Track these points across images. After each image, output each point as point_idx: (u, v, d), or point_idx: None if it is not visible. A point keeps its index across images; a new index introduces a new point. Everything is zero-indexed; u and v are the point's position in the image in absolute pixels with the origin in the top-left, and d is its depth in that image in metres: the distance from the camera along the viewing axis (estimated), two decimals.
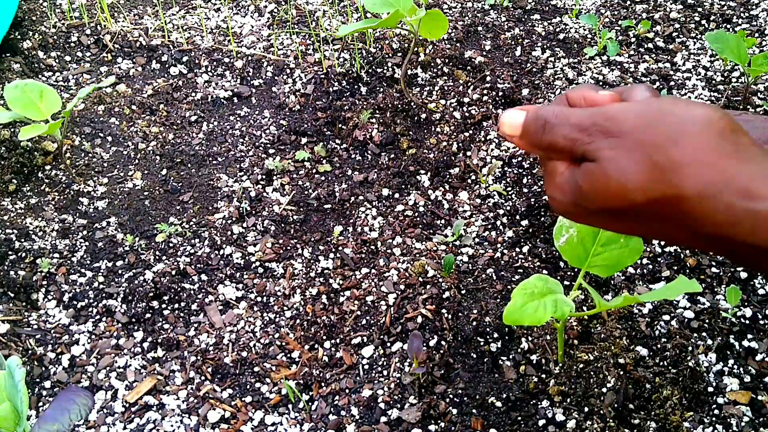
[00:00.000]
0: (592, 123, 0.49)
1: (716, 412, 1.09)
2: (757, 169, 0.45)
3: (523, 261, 1.33)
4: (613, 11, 1.96)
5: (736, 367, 1.15)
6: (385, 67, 1.78)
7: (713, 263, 1.30)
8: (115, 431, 1.13)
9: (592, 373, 1.12)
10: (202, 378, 1.19)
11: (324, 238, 1.41)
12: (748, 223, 0.44)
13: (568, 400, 1.11)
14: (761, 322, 1.21)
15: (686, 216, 0.47)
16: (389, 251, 1.36)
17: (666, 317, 1.22)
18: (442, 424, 1.10)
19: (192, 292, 1.32)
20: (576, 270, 1.30)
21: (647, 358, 1.16)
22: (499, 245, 1.37)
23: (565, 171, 0.52)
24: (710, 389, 1.12)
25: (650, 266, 1.30)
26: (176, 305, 1.30)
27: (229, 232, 1.42)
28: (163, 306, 1.30)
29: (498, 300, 1.27)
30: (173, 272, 1.34)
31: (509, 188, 1.48)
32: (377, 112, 1.64)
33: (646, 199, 0.47)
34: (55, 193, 1.52)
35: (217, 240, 1.41)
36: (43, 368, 1.22)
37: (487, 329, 1.22)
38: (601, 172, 0.48)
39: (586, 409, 1.09)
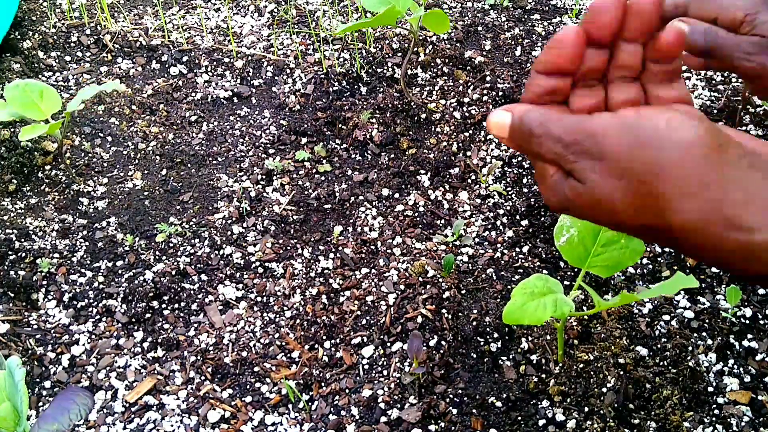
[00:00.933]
0: (574, 141, 0.47)
1: (716, 412, 1.09)
2: (743, 196, 0.43)
3: (523, 261, 1.33)
4: None
5: (736, 367, 1.15)
6: (385, 67, 1.78)
7: None
8: (115, 431, 1.13)
9: (592, 373, 1.12)
10: (202, 378, 1.19)
11: (324, 238, 1.41)
12: (740, 254, 0.44)
13: (568, 400, 1.11)
14: (761, 322, 1.21)
15: (677, 243, 0.46)
16: (389, 251, 1.36)
17: (666, 317, 1.22)
18: (442, 424, 1.10)
19: (192, 292, 1.32)
20: (576, 270, 1.30)
21: (647, 358, 1.16)
22: (499, 245, 1.37)
23: (555, 174, 0.50)
24: (710, 389, 1.12)
25: (650, 266, 1.31)
26: (176, 305, 1.30)
27: (229, 232, 1.42)
28: (163, 306, 1.30)
29: (498, 300, 1.27)
30: (173, 272, 1.34)
31: (509, 188, 1.48)
32: (377, 112, 1.64)
33: (636, 225, 0.47)
34: (55, 193, 1.52)
35: (217, 240, 1.41)
36: (43, 368, 1.22)
37: (487, 329, 1.22)
38: (589, 195, 0.47)
39: (586, 409, 1.09)
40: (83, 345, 1.25)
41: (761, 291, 1.26)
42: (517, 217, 1.41)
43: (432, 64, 1.78)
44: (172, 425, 1.13)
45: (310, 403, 1.15)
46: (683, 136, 0.44)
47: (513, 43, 1.85)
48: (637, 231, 0.48)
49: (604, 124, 0.47)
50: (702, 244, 0.45)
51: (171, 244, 1.41)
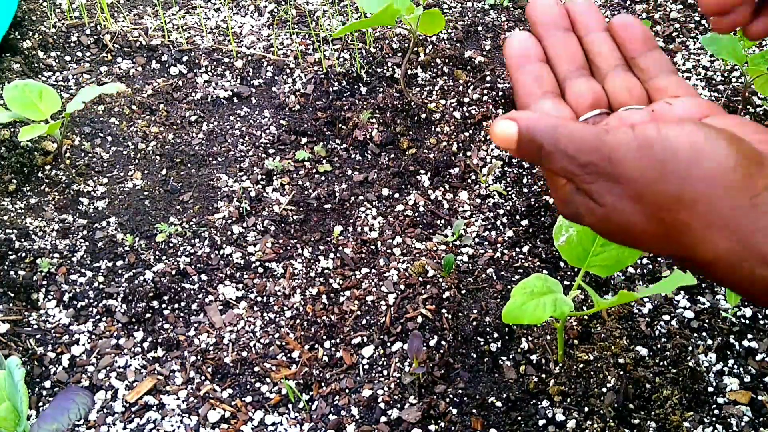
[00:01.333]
0: (590, 161, 0.43)
1: (716, 412, 1.09)
2: None
3: (523, 261, 1.33)
4: (613, 11, 1.96)
5: (736, 367, 1.15)
6: (385, 67, 1.78)
7: None
8: (115, 431, 1.13)
9: (592, 373, 1.12)
10: (202, 378, 1.19)
11: (324, 238, 1.41)
12: None
13: (568, 400, 1.11)
14: (761, 322, 1.21)
15: (704, 273, 0.43)
16: (389, 251, 1.36)
17: (666, 317, 1.22)
18: (442, 424, 1.10)
19: (192, 292, 1.32)
20: (576, 270, 1.30)
21: (647, 358, 1.16)
22: (499, 245, 1.37)
23: (567, 185, 0.46)
24: (710, 389, 1.12)
25: (650, 266, 1.30)
26: (176, 305, 1.30)
27: (229, 232, 1.42)
28: (163, 306, 1.30)
29: (498, 300, 1.27)
30: (173, 272, 1.34)
31: (509, 188, 1.48)
32: (377, 112, 1.64)
33: (658, 251, 0.44)
34: (55, 193, 1.52)
35: (217, 240, 1.41)
36: (43, 368, 1.22)
37: (487, 329, 1.22)
38: (605, 218, 0.44)
39: (586, 409, 1.09)
40: (83, 345, 1.25)
41: None
42: (517, 217, 1.41)
43: (432, 64, 1.78)
44: (172, 425, 1.13)
45: (310, 403, 1.15)
46: (711, 164, 0.39)
47: None
48: (659, 254, 0.45)
49: (622, 144, 0.42)
50: (731, 278, 0.41)
51: (171, 244, 1.41)
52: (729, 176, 0.39)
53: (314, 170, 1.55)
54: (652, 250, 0.43)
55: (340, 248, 1.38)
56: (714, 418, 1.08)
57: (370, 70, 1.77)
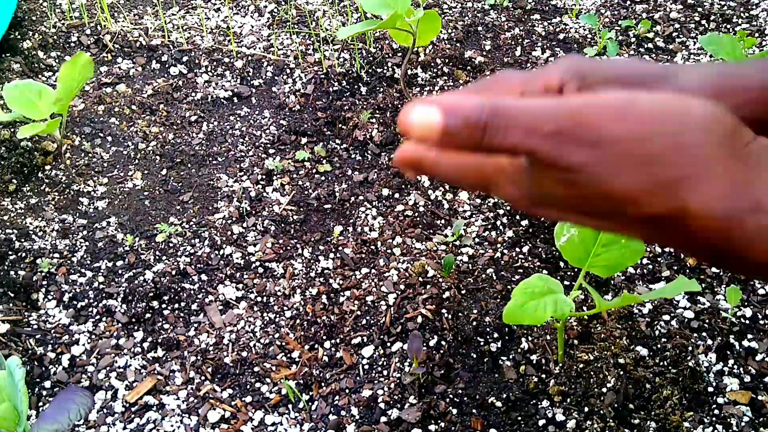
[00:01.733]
0: (557, 129, 0.38)
1: (716, 412, 1.09)
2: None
3: (523, 261, 1.33)
4: (613, 11, 1.96)
5: (736, 367, 1.15)
6: (385, 67, 1.78)
7: None
8: (115, 431, 1.13)
9: (592, 373, 1.12)
10: (202, 378, 1.19)
11: (324, 238, 1.41)
12: (760, 240, 0.39)
13: (568, 400, 1.11)
14: (761, 322, 1.21)
15: (694, 231, 0.41)
16: (389, 251, 1.36)
17: (666, 317, 1.22)
18: (442, 424, 1.10)
19: (192, 292, 1.32)
20: (576, 270, 1.30)
21: (647, 358, 1.16)
22: (499, 245, 1.37)
23: (518, 167, 0.42)
24: (710, 389, 1.12)
25: (650, 266, 1.31)
26: (176, 305, 1.30)
27: (229, 232, 1.42)
28: (163, 306, 1.30)
29: (498, 300, 1.27)
30: (173, 272, 1.34)
31: None
32: (377, 112, 1.64)
33: (640, 216, 0.40)
34: (55, 193, 1.52)
35: (217, 240, 1.41)
36: (43, 368, 1.22)
37: (487, 329, 1.22)
38: (582, 188, 0.40)
39: (586, 409, 1.09)
40: (83, 345, 1.25)
41: (761, 291, 1.26)
42: (517, 217, 1.41)
43: (432, 64, 1.78)
44: (172, 425, 1.13)
45: (310, 403, 1.15)
46: (700, 117, 0.39)
47: (513, 43, 1.85)
48: (634, 224, 0.41)
49: (595, 106, 0.38)
50: (722, 230, 0.39)
51: (171, 244, 1.41)
52: (722, 125, 0.39)
53: (314, 170, 1.55)
54: (635, 212, 0.40)
55: (340, 248, 1.38)
56: (714, 418, 1.08)
57: (370, 70, 1.77)
